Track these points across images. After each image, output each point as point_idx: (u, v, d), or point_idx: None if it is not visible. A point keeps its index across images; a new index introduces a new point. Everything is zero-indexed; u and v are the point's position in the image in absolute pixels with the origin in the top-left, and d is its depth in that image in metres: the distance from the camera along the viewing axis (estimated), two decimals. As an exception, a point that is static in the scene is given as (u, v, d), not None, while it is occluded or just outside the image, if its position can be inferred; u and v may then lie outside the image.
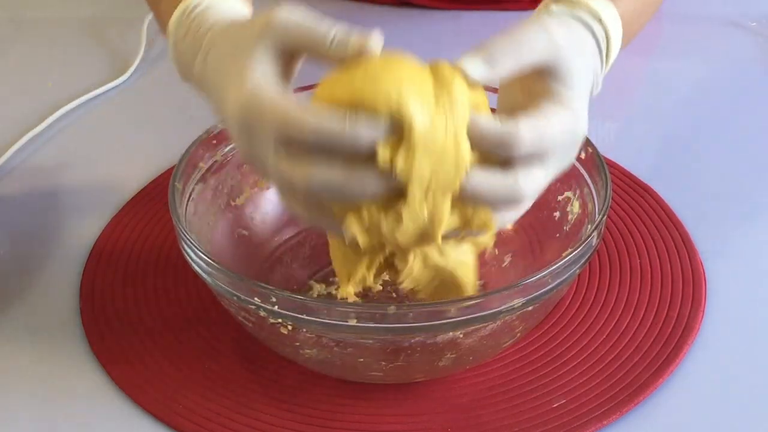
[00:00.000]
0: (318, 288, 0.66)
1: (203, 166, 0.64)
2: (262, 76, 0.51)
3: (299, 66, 0.54)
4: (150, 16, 1.05)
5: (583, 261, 0.54)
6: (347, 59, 0.50)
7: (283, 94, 0.50)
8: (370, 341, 0.53)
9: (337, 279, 0.58)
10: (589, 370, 0.58)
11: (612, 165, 0.76)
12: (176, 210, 0.58)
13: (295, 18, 0.51)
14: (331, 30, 0.50)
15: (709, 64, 0.95)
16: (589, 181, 0.61)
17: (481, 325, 0.52)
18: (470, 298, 0.52)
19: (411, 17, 1.04)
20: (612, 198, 0.59)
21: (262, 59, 0.51)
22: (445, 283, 0.56)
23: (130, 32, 1.04)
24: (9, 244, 0.73)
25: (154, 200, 0.75)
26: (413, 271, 0.54)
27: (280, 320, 0.53)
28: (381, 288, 0.63)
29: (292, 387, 0.58)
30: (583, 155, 0.62)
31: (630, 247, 0.68)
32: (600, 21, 0.56)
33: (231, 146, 0.66)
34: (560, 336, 0.61)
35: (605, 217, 0.56)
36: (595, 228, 0.55)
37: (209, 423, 0.56)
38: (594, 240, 0.55)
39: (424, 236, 0.50)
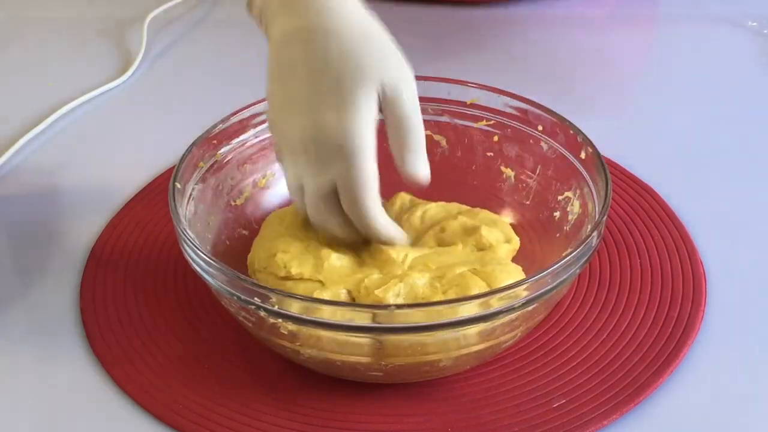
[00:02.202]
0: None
1: (203, 166, 0.64)
2: (367, 126, 0.54)
3: None
4: (150, 16, 1.05)
5: (583, 261, 0.54)
6: None
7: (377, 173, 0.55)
8: (369, 341, 0.53)
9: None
10: (589, 370, 0.58)
11: (612, 165, 0.76)
12: (176, 210, 0.58)
13: None
14: None
15: (709, 64, 0.95)
16: (589, 181, 0.61)
17: (481, 325, 0.52)
18: (470, 298, 0.52)
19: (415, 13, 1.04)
20: (612, 198, 0.59)
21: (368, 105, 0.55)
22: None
23: (130, 32, 1.04)
24: (9, 244, 0.73)
25: (154, 200, 0.75)
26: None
27: (280, 320, 0.53)
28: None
29: (292, 387, 0.58)
30: (583, 155, 0.62)
31: (630, 247, 0.68)
32: None
33: (231, 146, 0.66)
34: (560, 336, 0.61)
35: (605, 217, 0.56)
36: (595, 228, 0.55)
37: (209, 423, 0.56)
38: (594, 240, 0.55)
39: None
